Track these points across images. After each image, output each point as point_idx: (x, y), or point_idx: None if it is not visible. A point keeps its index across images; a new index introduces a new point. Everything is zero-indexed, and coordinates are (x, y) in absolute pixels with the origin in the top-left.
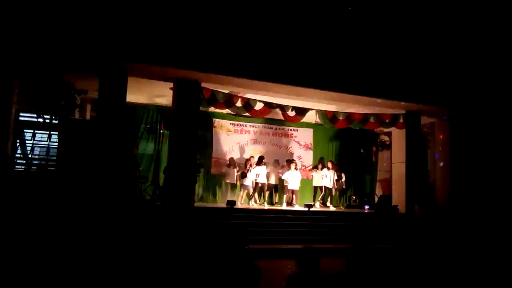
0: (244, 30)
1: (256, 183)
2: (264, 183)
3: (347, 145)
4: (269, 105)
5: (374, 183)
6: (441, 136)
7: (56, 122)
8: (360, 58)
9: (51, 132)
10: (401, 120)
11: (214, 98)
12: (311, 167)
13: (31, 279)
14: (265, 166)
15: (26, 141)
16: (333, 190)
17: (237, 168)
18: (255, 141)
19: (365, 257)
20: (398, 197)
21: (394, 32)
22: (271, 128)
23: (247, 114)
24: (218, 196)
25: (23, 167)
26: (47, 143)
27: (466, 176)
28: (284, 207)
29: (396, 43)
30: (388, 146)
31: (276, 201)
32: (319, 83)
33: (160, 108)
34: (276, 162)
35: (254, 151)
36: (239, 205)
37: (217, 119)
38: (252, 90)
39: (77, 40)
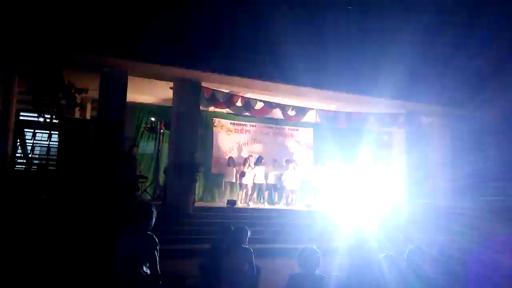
0: (244, 29)
1: (254, 183)
2: (262, 184)
3: (347, 145)
4: (269, 105)
5: (374, 183)
6: (441, 136)
7: (57, 121)
8: (361, 57)
9: (52, 132)
10: (402, 120)
11: (214, 98)
12: (311, 166)
13: (31, 278)
14: (263, 167)
15: (27, 141)
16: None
17: (236, 168)
18: (255, 141)
19: (367, 256)
20: (398, 196)
21: (395, 32)
22: (271, 127)
23: (247, 113)
24: (218, 195)
25: (23, 166)
26: (47, 142)
27: (467, 175)
28: (283, 206)
29: (397, 42)
30: (388, 146)
31: (276, 200)
32: (320, 82)
33: (160, 108)
34: (274, 161)
35: (254, 151)
36: (239, 204)
37: (217, 119)
38: (252, 90)
39: (77, 39)
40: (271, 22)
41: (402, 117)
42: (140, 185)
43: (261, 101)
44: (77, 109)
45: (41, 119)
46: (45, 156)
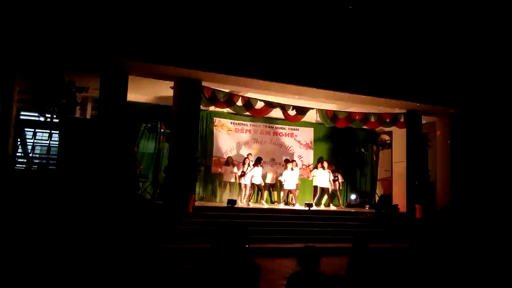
0: (245, 29)
1: (252, 184)
2: (260, 184)
3: (348, 145)
4: (269, 104)
5: (375, 182)
6: (441, 136)
7: (57, 121)
8: (361, 57)
9: (52, 131)
10: (402, 120)
11: (214, 97)
12: (311, 166)
13: (32, 277)
14: (261, 168)
15: (27, 140)
16: (330, 190)
17: (235, 167)
18: (256, 140)
19: (366, 256)
20: (399, 196)
21: (395, 31)
22: (272, 127)
23: (247, 113)
24: (218, 195)
25: (24, 166)
26: (47, 142)
27: (467, 175)
28: (282, 206)
29: (397, 42)
30: (389, 145)
31: (275, 200)
32: (320, 82)
33: (160, 107)
34: (273, 161)
35: (254, 150)
36: (239, 204)
37: (218, 118)
38: (253, 89)
39: (78, 38)
40: (272, 21)
41: (403, 116)
42: (140, 184)
43: (261, 100)
44: (77, 108)
45: (42, 119)
46: (46, 156)
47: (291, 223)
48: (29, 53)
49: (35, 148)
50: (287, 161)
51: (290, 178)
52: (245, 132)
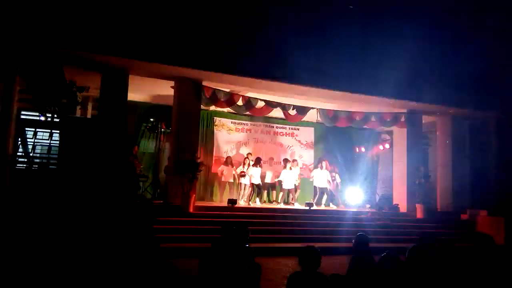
0: (245, 28)
1: (253, 183)
2: (259, 184)
3: (348, 144)
4: (270, 104)
5: (375, 182)
6: (441, 136)
7: (58, 120)
8: (362, 56)
9: (53, 131)
10: (402, 119)
11: (215, 97)
12: (312, 166)
13: (32, 276)
14: (260, 168)
15: (28, 140)
16: (328, 189)
17: (234, 167)
18: (256, 140)
19: (366, 256)
20: (399, 196)
21: (395, 31)
22: (272, 127)
23: (248, 112)
24: (218, 194)
25: (24, 165)
26: (48, 141)
27: (464, 175)
28: (282, 206)
29: (397, 41)
30: (389, 145)
31: (274, 199)
32: (321, 81)
33: (161, 107)
34: (274, 160)
35: (254, 150)
36: (239, 204)
37: (218, 118)
38: (253, 89)
39: (78, 38)
40: (272, 21)
41: (403, 116)
42: (140, 184)
43: (262, 100)
44: (78, 108)
45: (42, 118)
46: (46, 155)
47: (291, 223)
48: (29, 52)
49: (36, 148)
50: (286, 160)
51: (288, 178)
52: (246, 132)
